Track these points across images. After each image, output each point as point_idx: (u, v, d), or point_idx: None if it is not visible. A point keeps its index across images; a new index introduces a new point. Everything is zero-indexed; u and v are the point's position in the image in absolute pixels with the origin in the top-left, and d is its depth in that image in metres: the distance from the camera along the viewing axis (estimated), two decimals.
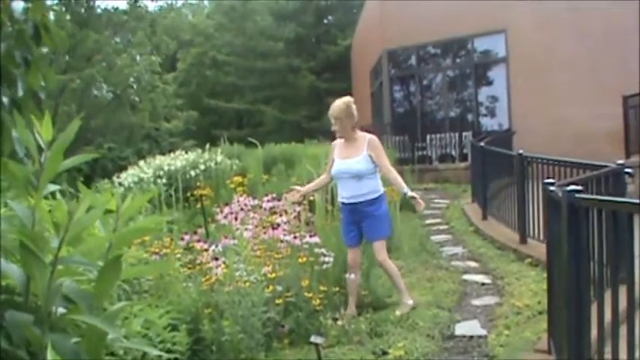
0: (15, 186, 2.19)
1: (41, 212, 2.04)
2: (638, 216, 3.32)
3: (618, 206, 3.61)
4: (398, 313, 6.40)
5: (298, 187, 7.13)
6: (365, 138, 6.72)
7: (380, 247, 6.66)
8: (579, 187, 3.93)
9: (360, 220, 6.64)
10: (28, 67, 2.47)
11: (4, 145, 2.21)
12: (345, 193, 6.67)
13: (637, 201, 3.27)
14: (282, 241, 6.80)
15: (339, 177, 6.72)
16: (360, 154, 6.59)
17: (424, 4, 21.58)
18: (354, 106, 6.72)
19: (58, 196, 2.34)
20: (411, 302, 6.62)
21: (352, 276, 6.64)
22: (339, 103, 6.70)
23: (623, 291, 3.43)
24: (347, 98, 6.79)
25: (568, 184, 4.18)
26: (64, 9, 28.11)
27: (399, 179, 6.68)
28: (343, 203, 6.74)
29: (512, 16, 19.74)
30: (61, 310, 2.09)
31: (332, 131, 6.89)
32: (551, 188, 4.61)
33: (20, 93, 2.30)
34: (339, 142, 6.86)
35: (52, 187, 2.19)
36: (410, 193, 6.53)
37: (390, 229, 6.96)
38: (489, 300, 7.18)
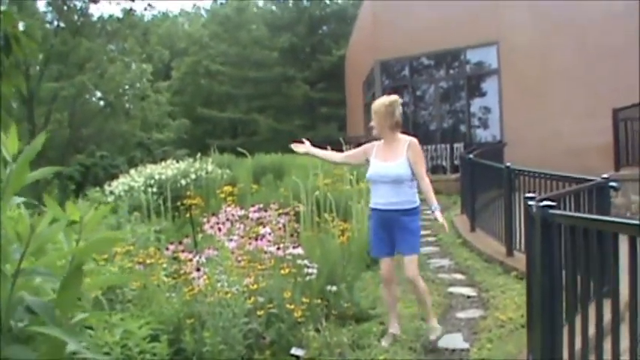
0: None
1: (4, 225, 2.05)
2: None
3: (589, 223, 3.62)
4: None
5: (307, 143, 6.78)
6: (405, 141, 6.25)
7: (411, 263, 6.17)
8: (552, 203, 3.95)
9: (392, 230, 6.20)
10: None
11: None
12: (380, 199, 6.23)
13: (608, 218, 3.28)
14: (265, 252, 6.78)
15: (375, 180, 6.29)
16: (400, 157, 6.15)
17: (417, 16, 21.67)
18: (399, 107, 6.26)
19: (22, 208, 2.33)
20: (438, 326, 6.27)
21: (386, 290, 6.42)
22: (383, 99, 6.33)
23: (594, 308, 3.44)
24: (394, 97, 6.36)
25: (542, 199, 4.18)
26: (57, 16, 28.26)
27: (431, 192, 6.20)
28: (376, 209, 6.30)
29: (504, 28, 19.81)
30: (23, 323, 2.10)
31: (369, 127, 6.51)
32: (530, 202, 4.63)
33: None
34: (379, 143, 6.42)
35: (17, 200, 2.19)
36: (438, 213, 6.15)
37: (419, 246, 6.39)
38: (474, 313, 7.17)
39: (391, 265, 6.39)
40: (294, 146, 6.83)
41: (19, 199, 2.21)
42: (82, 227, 2.14)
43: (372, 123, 6.32)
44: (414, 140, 6.27)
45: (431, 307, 6.40)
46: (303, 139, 6.86)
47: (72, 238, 2.17)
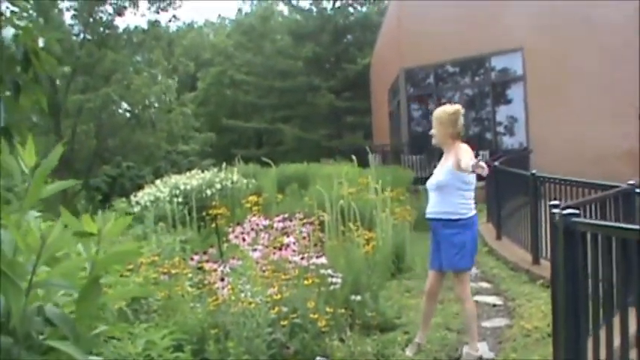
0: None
1: (19, 237, 2.06)
2: None
3: (612, 231, 3.58)
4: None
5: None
6: (458, 148, 5.95)
7: (458, 279, 6.01)
8: (575, 211, 3.91)
9: (439, 242, 6.03)
10: (18, 91, 2.50)
11: None
12: (428, 207, 6.12)
13: (631, 226, 3.24)
14: (290, 262, 6.77)
15: (428, 189, 6.18)
16: (447, 164, 5.97)
17: (441, 23, 21.62)
18: (461, 117, 6.07)
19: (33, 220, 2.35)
20: (478, 354, 5.92)
21: (426, 304, 6.24)
22: (446, 107, 6.15)
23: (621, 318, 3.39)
24: (457, 106, 6.17)
25: (565, 207, 4.14)
26: (83, 28, 28.49)
27: (466, 158, 5.67)
28: (427, 218, 6.18)
29: (528, 35, 19.70)
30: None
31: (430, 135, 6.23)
32: (554, 210, 4.58)
33: (2, 122, 2.33)
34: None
35: (33, 214, 2.21)
36: (474, 166, 5.42)
37: (470, 262, 6.07)
38: (499, 322, 7.12)
39: (436, 280, 6.20)
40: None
41: (35, 214, 2.22)
42: (101, 239, 2.15)
43: (433, 131, 6.13)
44: (464, 145, 5.99)
45: (476, 333, 6.06)
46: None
47: (91, 249, 2.18)
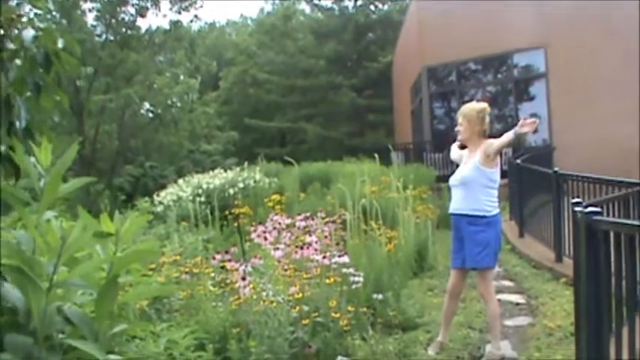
0: (20, 212, 2.23)
1: (39, 237, 2.07)
2: None
3: (635, 230, 3.54)
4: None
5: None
6: (484, 144, 5.89)
7: (482, 278, 5.94)
8: (597, 209, 3.87)
9: (463, 240, 5.94)
10: (39, 92, 2.52)
11: None
12: (452, 204, 6.05)
13: None
14: (311, 261, 6.77)
15: (450, 185, 6.13)
16: (472, 160, 5.90)
17: (463, 21, 21.54)
18: (488, 116, 6.01)
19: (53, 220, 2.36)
20: (500, 353, 5.84)
21: (448, 303, 6.18)
22: (473, 104, 6.09)
23: None
24: (484, 104, 6.11)
25: (587, 205, 4.10)
26: (105, 29, 28.64)
27: (504, 135, 5.69)
28: (450, 214, 6.12)
29: (551, 32, 19.60)
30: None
31: (455, 132, 6.22)
32: (576, 208, 4.53)
33: (23, 122, 2.35)
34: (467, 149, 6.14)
35: (51, 214, 2.22)
36: (518, 130, 5.47)
37: (494, 261, 5.96)
38: (522, 320, 7.07)
39: (458, 279, 6.13)
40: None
41: (51, 213, 2.23)
42: (119, 239, 2.16)
43: (459, 128, 6.07)
44: (490, 140, 5.90)
45: (499, 332, 6.03)
46: None
47: (109, 249, 2.19)
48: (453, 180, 6.08)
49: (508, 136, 5.62)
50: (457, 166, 6.29)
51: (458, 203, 5.96)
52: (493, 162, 5.89)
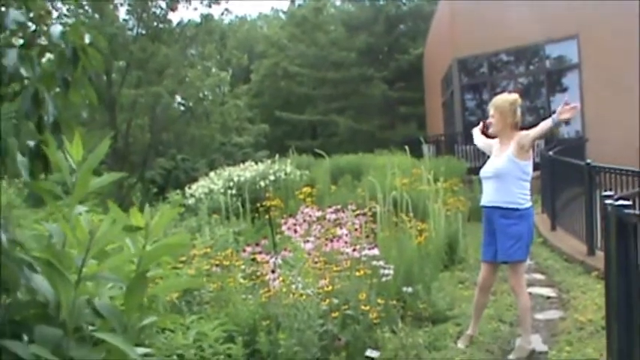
0: (51, 206, 2.26)
1: (69, 231, 2.10)
2: None
3: None
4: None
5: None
6: (517, 136, 5.85)
7: (513, 271, 5.88)
8: (628, 202, 3.83)
9: (495, 233, 5.89)
10: (67, 87, 2.54)
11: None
12: (484, 196, 6.00)
13: None
14: (342, 254, 6.77)
15: (482, 177, 6.06)
16: (506, 152, 5.84)
17: (494, 12, 21.40)
18: (519, 107, 5.97)
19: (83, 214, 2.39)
20: (531, 347, 5.79)
21: (478, 296, 6.15)
22: (505, 96, 6.03)
23: None
24: (515, 95, 6.03)
25: (618, 198, 4.05)
26: (136, 23, 28.81)
27: (541, 124, 5.70)
28: (482, 206, 6.05)
29: (583, 21, 19.39)
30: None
31: (485, 122, 6.25)
32: (606, 201, 4.48)
33: (52, 117, 2.37)
34: (497, 140, 6.12)
35: (81, 208, 2.25)
36: (557, 117, 5.49)
37: (526, 254, 5.90)
38: (553, 314, 7.03)
39: (489, 272, 6.08)
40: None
41: (83, 208, 2.26)
42: (148, 232, 2.18)
43: (492, 120, 6.01)
44: (523, 131, 5.86)
45: (529, 326, 5.99)
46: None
47: (139, 242, 2.21)
48: (484, 172, 6.04)
49: (546, 123, 5.62)
50: (487, 157, 6.25)
51: (490, 196, 5.91)
52: (527, 154, 5.85)
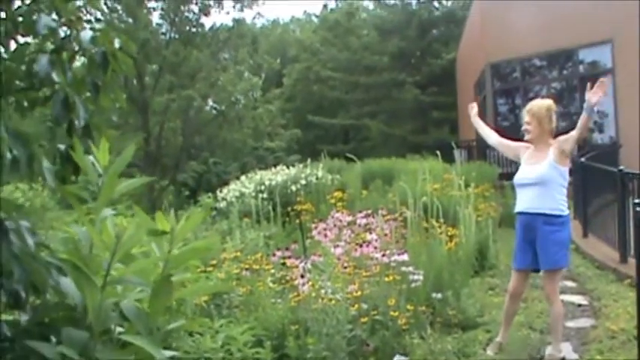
0: (77, 209, 2.28)
1: (96, 235, 2.12)
2: None
3: None
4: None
5: (476, 109, 6.94)
6: (553, 143, 5.82)
7: (550, 278, 5.82)
8: None
9: (534, 240, 5.76)
10: (97, 91, 2.57)
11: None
12: (522, 203, 5.86)
13: None
14: (371, 259, 6.76)
15: (519, 184, 5.94)
16: (546, 159, 5.74)
17: (526, 16, 21.28)
18: (554, 114, 5.93)
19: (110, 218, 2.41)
20: (561, 355, 5.76)
21: (509, 303, 6.05)
22: (541, 102, 5.98)
23: None
24: (550, 100, 6.02)
25: None
26: (169, 28, 29.05)
27: (578, 124, 5.60)
28: (518, 213, 5.93)
29: (617, 26, 19.18)
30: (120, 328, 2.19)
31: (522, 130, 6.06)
32: (638, 209, 4.43)
33: (82, 122, 2.40)
34: (531, 146, 6.03)
35: (108, 212, 2.27)
36: (588, 104, 5.50)
37: (567, 260, 5.97)
38: (584, 322, 6.95)
39: (521, 280, 5.98)
40: (470, 107, 7.02)
41: (110, 212, 2.28)
42: (174, 237, 2.19)
43: (528, 127, 5.92)
44: (562, 137, 5.78)
45: (560, 334, 5.93)
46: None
47: (164, 246, 2.23)
48: (523, 179, 5.93)
49: (582, 119, 5.57)
50: (517, 164, 6.18)
51: (532, 202, 5.78)
52: (566, 159, 5.82)
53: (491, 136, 6.61)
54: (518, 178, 5.99)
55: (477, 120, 6.84)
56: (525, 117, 5.96)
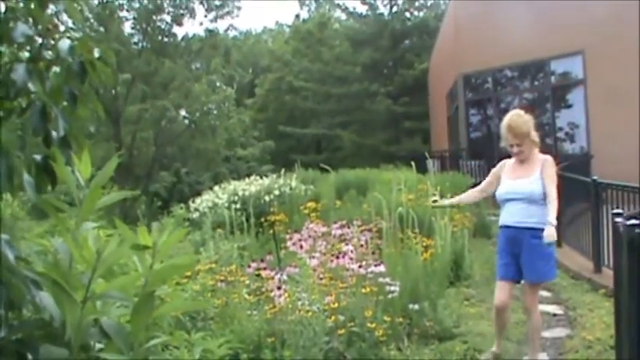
0: (57, 222, 2.23)
1: (75, 249, 2.07)
2: None
3: None
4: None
5: (439, 199, 6.88)
6: (540, 159, 5.80)
7: (532, 290, 5.84)
8: (639, 222, 3.78)
9: (519, 253, 5.72)
10: (74, 101, 2.52)
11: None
12: (509, 217, 5.80)
13: None
14: (347, 270, 6.72)
15: (505, 199, 5.85)
16: (533, 174, 5.72)
17: (499, 28, 21.45)
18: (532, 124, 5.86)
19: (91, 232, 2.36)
20: None
21: (497, 317, 5.95)
22: (525, 118, 5.83)
23: None
24: (525, 114, 5.89)
25: (629, 217, 4.01)
26: (142, 37, 28.92)
27: (554, 211, 5.54)
28: (504, 227, 5.87)
29: (589, 38, 19.35)
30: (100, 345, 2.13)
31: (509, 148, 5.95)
32: (617, 220, 4.43)
33: (62, 131, 2.34)
34: (509, 161, 6.04)
35: (90, 225, 2.21)
36: (551, 227, 5.42)
37: (554, 273, 6.06)
38: (560, 332, 6.98)
39: (507, 293, 5.84)
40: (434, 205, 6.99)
41: (92, 224, 2.22)
42: (156, 251, 2.14)
43: (518, 148, 5.81)
44: (550, 159, 5.83)
45: (538, 344, 5.97)
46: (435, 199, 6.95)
47: (146, 261, 2.17)
48: (509, 193, 5.85)
49: (551, 214, 5.52)
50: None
51: (519, 216, 5.74)
52: None
53: (473, 195, 6.65)
54: (504, 192, 5.91)
55: (453, 201, 6.87)
56: (509, 139, 5.84)
